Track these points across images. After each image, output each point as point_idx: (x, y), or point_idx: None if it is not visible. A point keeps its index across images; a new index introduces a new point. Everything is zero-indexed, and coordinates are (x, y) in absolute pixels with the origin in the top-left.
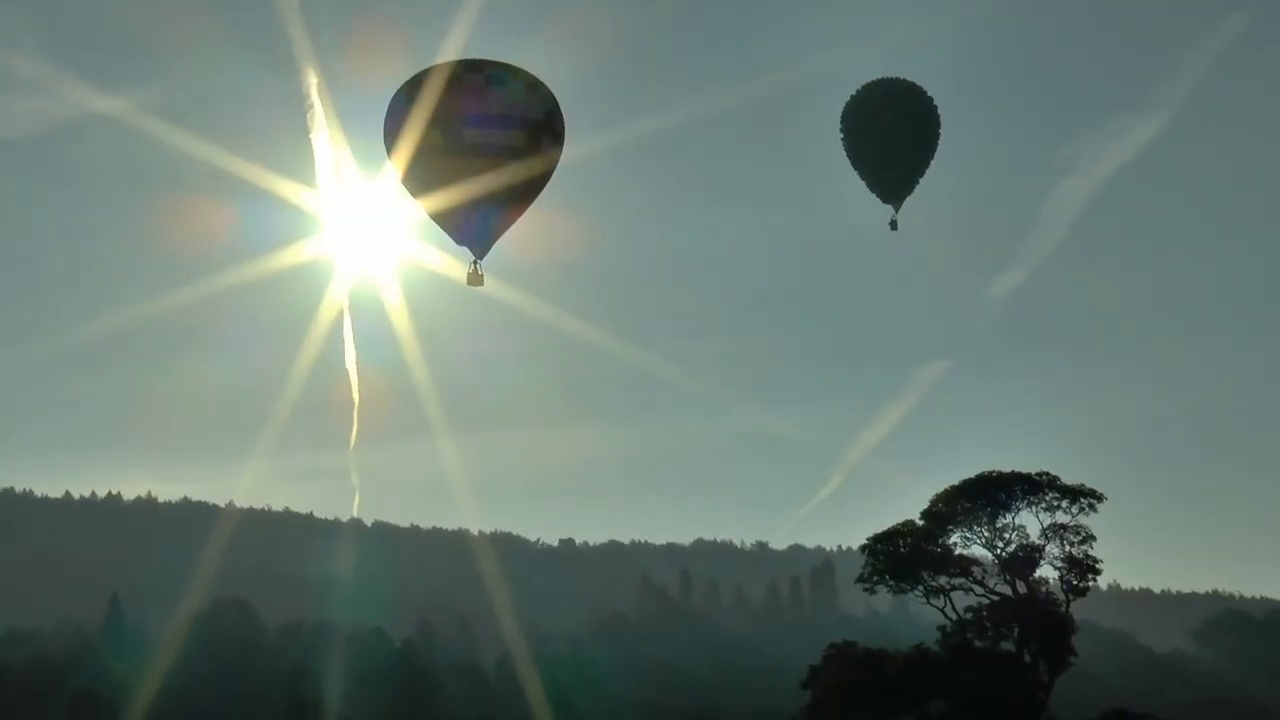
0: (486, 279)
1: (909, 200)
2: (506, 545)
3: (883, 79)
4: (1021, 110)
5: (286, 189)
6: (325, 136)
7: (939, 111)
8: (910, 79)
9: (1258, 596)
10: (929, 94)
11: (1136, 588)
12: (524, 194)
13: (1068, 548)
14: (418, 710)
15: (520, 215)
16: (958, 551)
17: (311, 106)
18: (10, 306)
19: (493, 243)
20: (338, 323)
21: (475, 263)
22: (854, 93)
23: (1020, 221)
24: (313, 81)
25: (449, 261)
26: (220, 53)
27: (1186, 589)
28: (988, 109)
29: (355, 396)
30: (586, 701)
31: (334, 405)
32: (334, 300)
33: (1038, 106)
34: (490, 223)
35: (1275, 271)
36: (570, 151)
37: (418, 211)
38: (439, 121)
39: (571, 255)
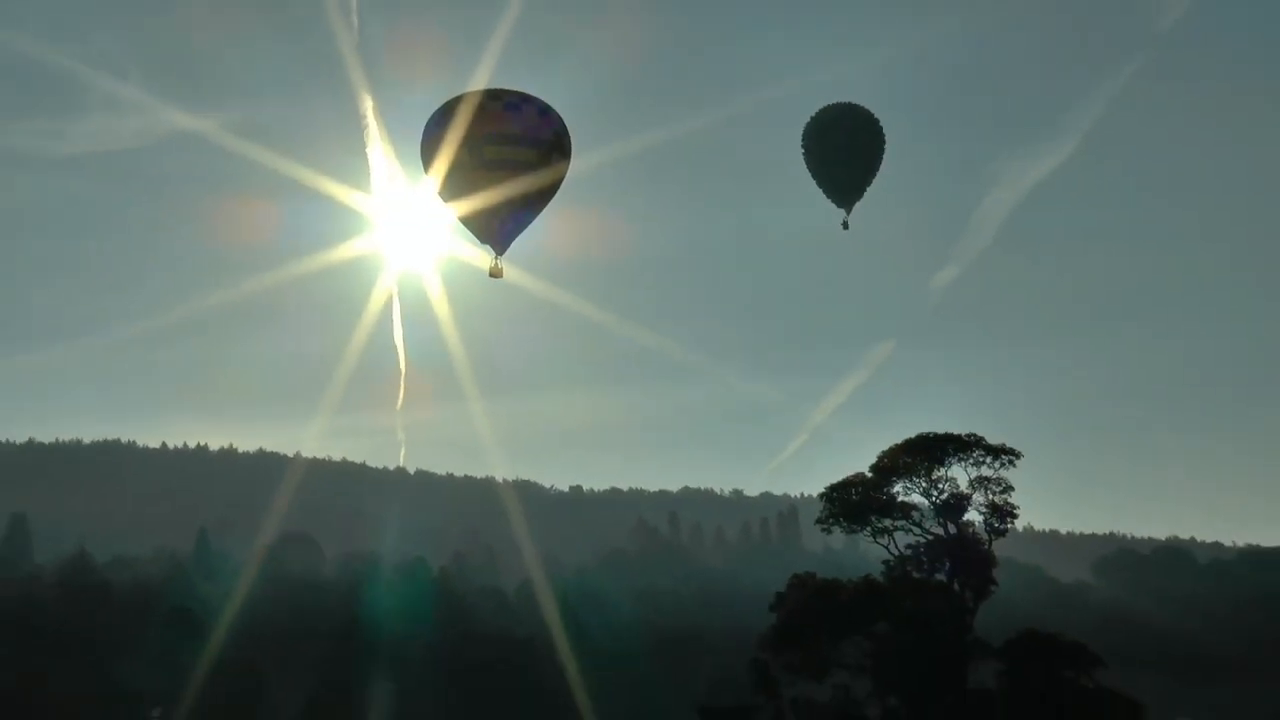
0: (507, 270)
1: (858, 205)
2: (526, 491)
3: (837, 103)
4: (956, 132)
5: (344, 194)
6: (378, 150)
7: (884, 131)
8: (861, 104)
9: (1146, 536)
10: (876, 116)
11: (1046, 529)
12: (537, 201)
13: (990, 496)
14: (451, 627)
15: (534, 218)
16: (900, 499)
17: (367, 126)
18: (116, 290)
19: (510, 241)
20: (387, 306)
21: (496, 258)
22: (813, 114)
23: (954, 226)
24: (368, 104)
25: (478, 255)
26: (290, 80)
27: (1088, 530)
28: (927, 130)
29: (402, 366)
30: (592, 621)
31: (384, 374)
32: (384, 287)
33: (970, 130)
34: (508, 226)
35: (1159, 269)
36: (577, 164)
37: (451, 214)
38: (465, 141)
39: (579, 251)
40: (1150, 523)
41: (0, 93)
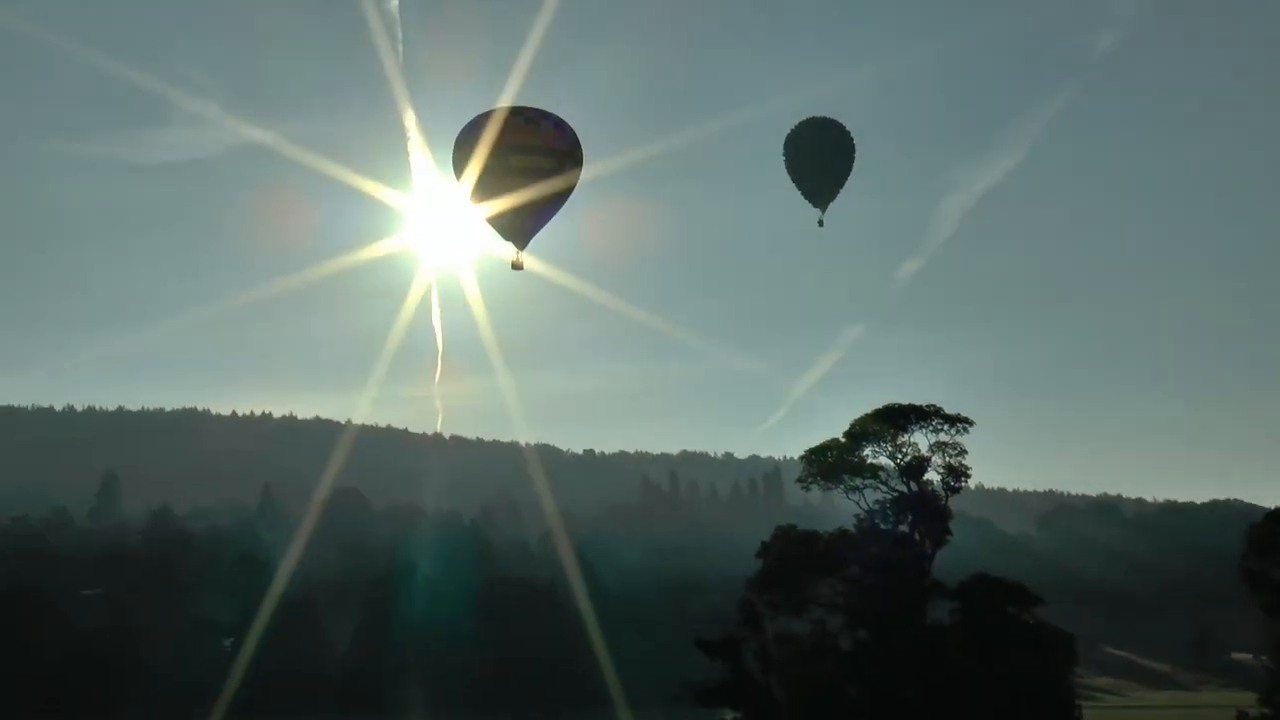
0: (527, 262)
1: (833, 206)
2: (545, 453)
3: (815, 117)
4: (918, 143)
5: (388, 196)
6: (418, 158)
7: (854, 141)
8: (835, 117)
9: (1080, 493)
10: (848, 129)
11: (995, 487)
12: (554, 202)
13: (946, 459)
14: (481, 570)
15: (552, 217)
16: (869, 461)
17: (408, 136)
18: (193, 278)
19: (531, 238)
20: (426, 293)
21: (518, 252)
22: (794, 127)
23: (917, 224)
24: (410, 117)
25: (503, 250)
26: (341, 96)
27: (1030, 488)
28: (894, 141)
29: (439, 345)
30: (602, 566)
31: (424, 351)
32: (423, 277)
33: (930, 142)
34: (529, 224)
35: (1091, 261)
36: (589, 170)
37: (480, 215)
38: (494, 151)
39: (592, 245)
40: (1084, 481)
41: (99, 109)
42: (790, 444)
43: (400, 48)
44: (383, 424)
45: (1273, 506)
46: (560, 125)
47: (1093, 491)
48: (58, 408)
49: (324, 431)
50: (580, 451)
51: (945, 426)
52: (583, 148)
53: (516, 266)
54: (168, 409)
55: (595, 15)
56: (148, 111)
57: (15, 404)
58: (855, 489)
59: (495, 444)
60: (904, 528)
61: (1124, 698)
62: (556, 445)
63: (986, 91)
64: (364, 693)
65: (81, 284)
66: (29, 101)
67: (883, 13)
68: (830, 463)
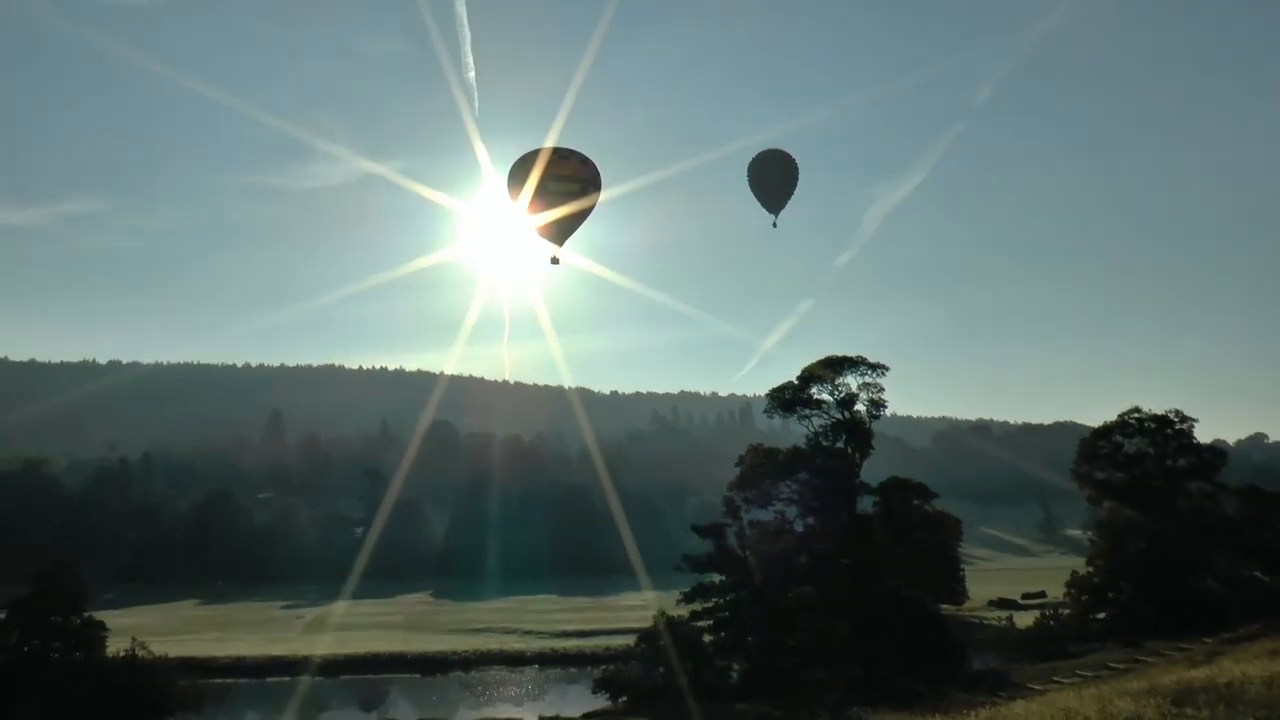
0: (564, 256)
1: (783, 212)
2: (583, 394)
3: (769, 148)
4: (851, 167)
5: (466, 211)
6: (488, 184)
7: (798, 164)
8: (783, 148)
9: (964, 418)
10: (794, 156)
11: (904, 414)
12: (581, 216)
13: (870, 394)
14: (536, 476)
15: (580, 226)
16: (815, 397)
17: (480, 168)
18: (329, 271)
19: (565, 240)
20: (495, 280)
21: (555, 251)
22: (754, 156)
23: (850, 225)
24: (482, 153)
25: (547, 249)
26: (433, 139)
27: (929, 415)
28: (833, 165)
29: (505, 316)
30: (625, 474)
31: (495, 321)
32: (493, 268)
33: (859, 165)
34: (564, 231)
35: (976, 253)
36: (606, 193)
37: (530, 225)
38: (540, 179)
39: (612, 244)
40: (966, 409)
41: (261, 151)
42: (759, 385)
43: (476, 105)
44: (466, 373)
45: (1097, 425)
46: (585, 160)
47: (972, 417)
48: (238, 364)
49: (424, 379)
50: (608, 392)
51: (869, 371)
52: (601, 176)
53: (554, 261)
54: (314, 364)
55: (611, 84)
56: (295, 152)
57: (208, 362)
58: (805, 417)
59: (546, 387)
60: (840, 445)
61: (993, 563)
62: (590, 388)
63: (899, 129)
64: (455, 566)
65: (252, 275)
66: (213, 146)
67: (820, 74)
68: (787, 398)
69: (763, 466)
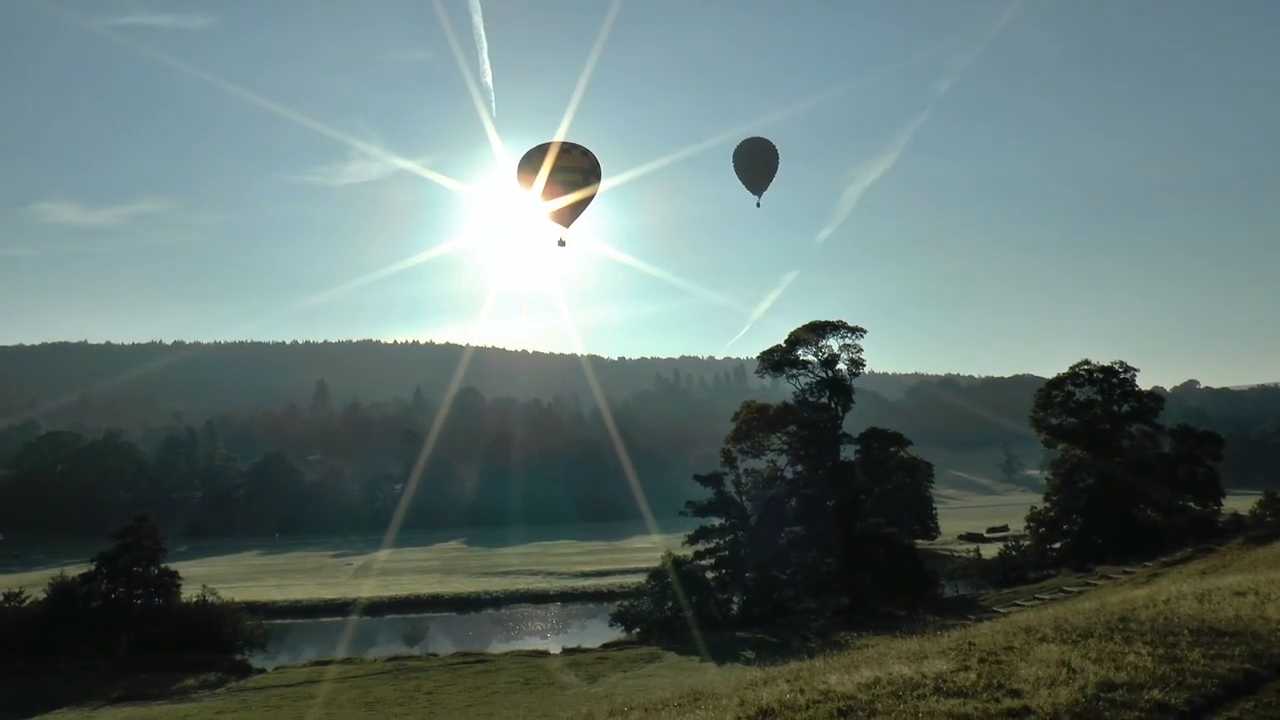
0: (570, 239)
1: (768, 193)
2: (594, 360)
3: (753, 136)
4: (829, 151)
5: (485, 200)
6: (503, 176)
7: (779, 150)
8: (766, 136)
9: (933, 374)
10: (775, 144)
11: (881, 371)
12: (585, 203)
13: (850, 355)
14: (554, 434)
15: (584, 211)
16: (801, 358)
17: (496, 162)
18: (365, 256)
19: (571, 224)
20: (512, 260)
21: (563, 233)
22: (740, 142)
23: (829, 204)
24: (499, 146)
25: (555, 232)
26: (455, 137)
27: (902, 371)
28: (813, 151)
29: (522, 292)
30: (633, 430)
31: (515, 296)
32: (509, 251)
33: (837, 150)
34: (570, 217)
35: (940, 225)
36: (609, 182)
37: (541, 211)
38: (549, 169)
39: (615, 226)
40: (935, 365)
41: (305, 151)
42: (751, 349)
43: (493, 106)
44: (489, 345)
45: (1051, 377)
46: (587, 152)
47: (940, 372)
48: (286, 341)
49: (452, 351)
50: (616, 358)
51: (849, 334)
52: (601, 167)
53: (561, 244)
54: (354, 340)
55: (612, 84)
56: (335, 152)
57: (260, 340)
58: (793, 376)
59: (561, 355)
60: (824, 400)
61: (961, 501)
62: (600, 354)
63: (871, 118)
64: (484, 516)
65: (298, 262)
66: (262, 150)
67: (800, 71)
68: (777, 360)
69: (756, 421)
